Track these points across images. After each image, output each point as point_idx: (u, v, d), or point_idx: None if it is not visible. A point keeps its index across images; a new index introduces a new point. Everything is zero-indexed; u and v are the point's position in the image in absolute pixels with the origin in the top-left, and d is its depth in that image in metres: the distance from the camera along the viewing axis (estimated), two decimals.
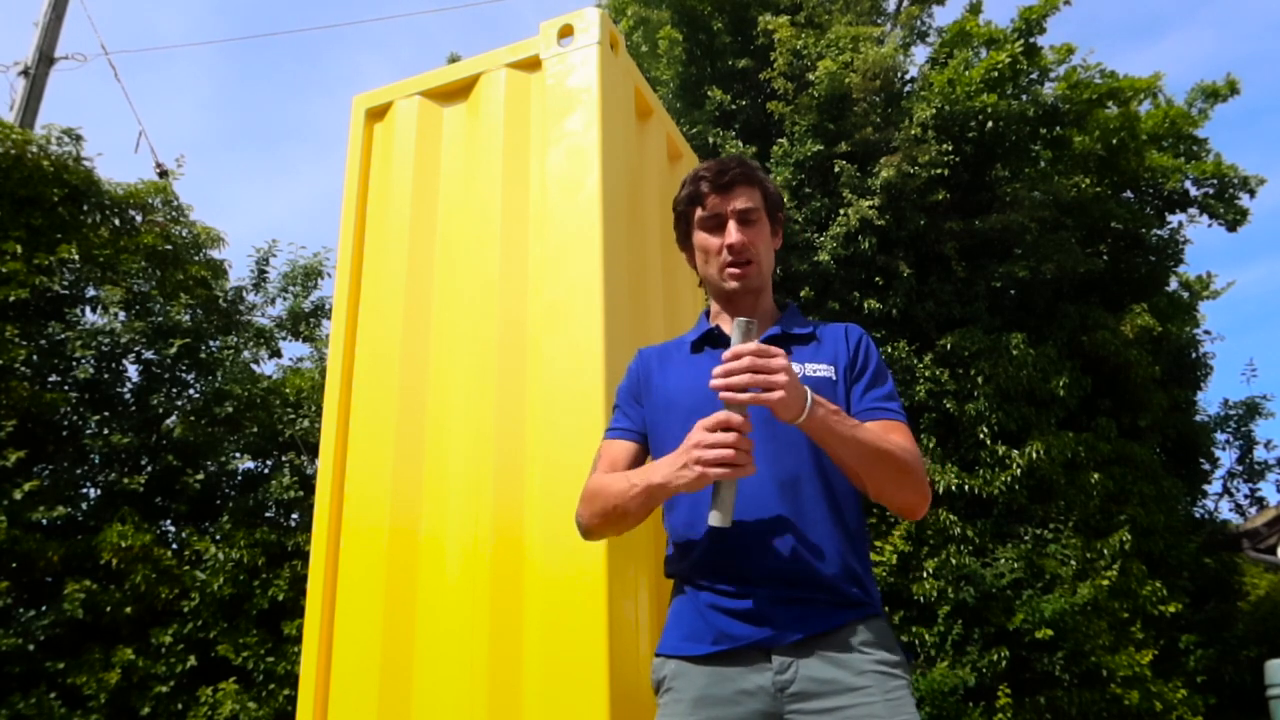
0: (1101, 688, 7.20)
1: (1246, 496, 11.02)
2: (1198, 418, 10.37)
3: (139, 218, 7.67)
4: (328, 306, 8.64)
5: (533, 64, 2.66)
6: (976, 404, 7.87)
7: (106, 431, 6.57)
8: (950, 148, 8.28)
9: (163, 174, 8.94)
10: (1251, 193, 10.49)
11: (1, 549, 5.76)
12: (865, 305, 8.16)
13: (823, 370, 1.62)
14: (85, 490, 6.67)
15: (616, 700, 1.94)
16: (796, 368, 1.60)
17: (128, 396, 7.09)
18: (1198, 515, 10.01)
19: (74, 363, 6.62)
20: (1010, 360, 7.96)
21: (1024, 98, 9.03)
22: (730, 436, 1.35)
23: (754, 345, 1.37)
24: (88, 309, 7.06)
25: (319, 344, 8.59)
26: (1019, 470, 7.64)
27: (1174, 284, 10.49)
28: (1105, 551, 7.60)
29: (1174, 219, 10.58)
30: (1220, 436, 10.89)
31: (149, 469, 6.77)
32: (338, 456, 2.55)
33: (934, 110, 8.35)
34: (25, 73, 8.92)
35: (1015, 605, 7.24)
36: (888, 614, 7.22)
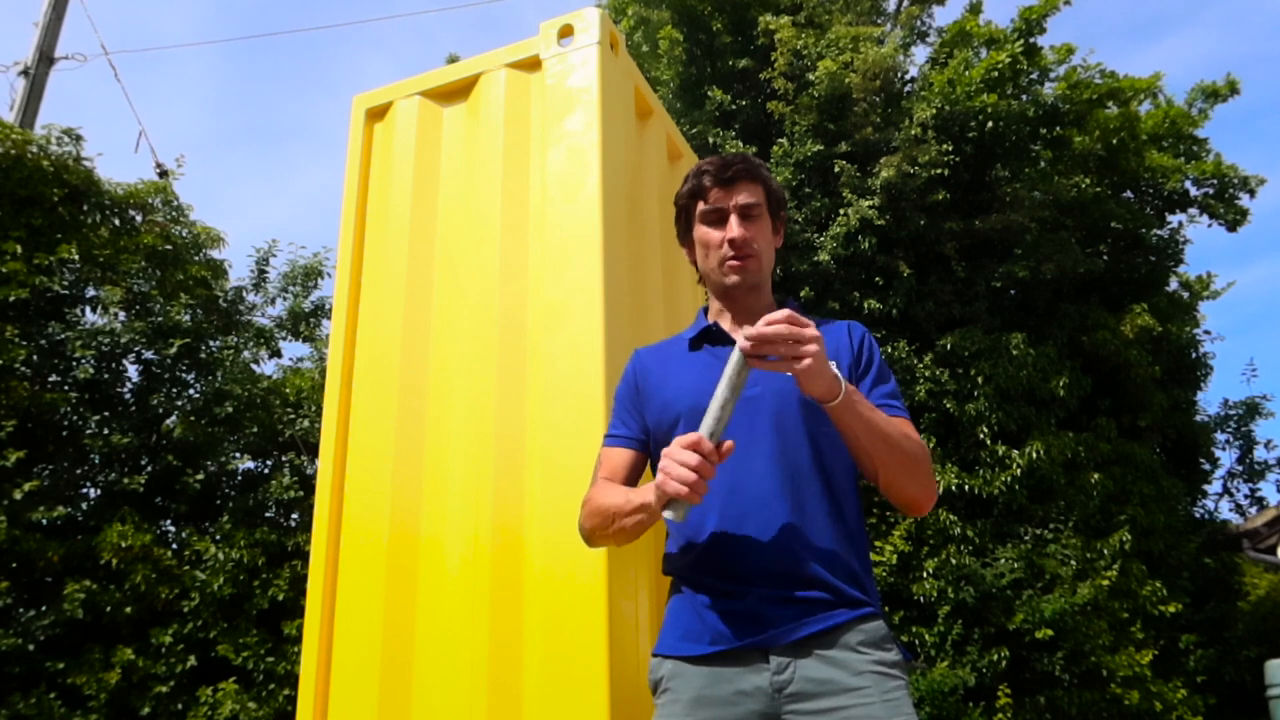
0: (1101, 688, 7.21)
1: (1246, 496, 11.03)
2: (1198, 418, 10.37)
3: (139, 218, 7.67)
4: (328, 306, 8.64)
5: (533, 64, 2.66)
6: (976, 404, 7.87)
7: (106, 431, 6.57)
8: (950, 148, 8.28)
9: (163, 174, 8.95)
10: (1251, 193, 10.50)
11: (1, 549, 5.76)
12: (865, 305, 8.16)
13: None
14: (85, 490, 6.67)
15: (616, 700, 1.94)
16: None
17: (128, 396, 7.09)
18: (1198, 515, 10.01)
19: (74, 363, 6.62)
20: (1010, 360, 7.96)
21: (1024, 98, 9.03)
22: (697, 460, 1.34)
23: (786, 313, 1.36)
24: (88, 309, 7.06)
25: (319, 344, 8.59)
26: (1019, 470, 7.64)
27: (1174, 284, 10.50)
28: (1105, 551, 7.61)
29: (1174, 219, 10.61)
30: (1220, 436, 10.90)
31: (149, 469, 6.77)
32: (338, 456, 2.55)
33: (934, 110, 8.36)
34: (25, 73, 8.92)
35: (1015, 605, 7.24)
36: (887, 614, 7.23)
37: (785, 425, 1.55)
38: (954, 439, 8.06)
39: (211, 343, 7.52)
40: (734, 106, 9.12)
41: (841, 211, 8.25)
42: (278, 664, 6.14)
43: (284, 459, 7.30)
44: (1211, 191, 10.48)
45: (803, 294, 8.17)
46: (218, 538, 6.53)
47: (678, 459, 1.36)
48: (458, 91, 2.81)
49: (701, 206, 1.72)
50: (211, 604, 6.20)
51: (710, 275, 1.74)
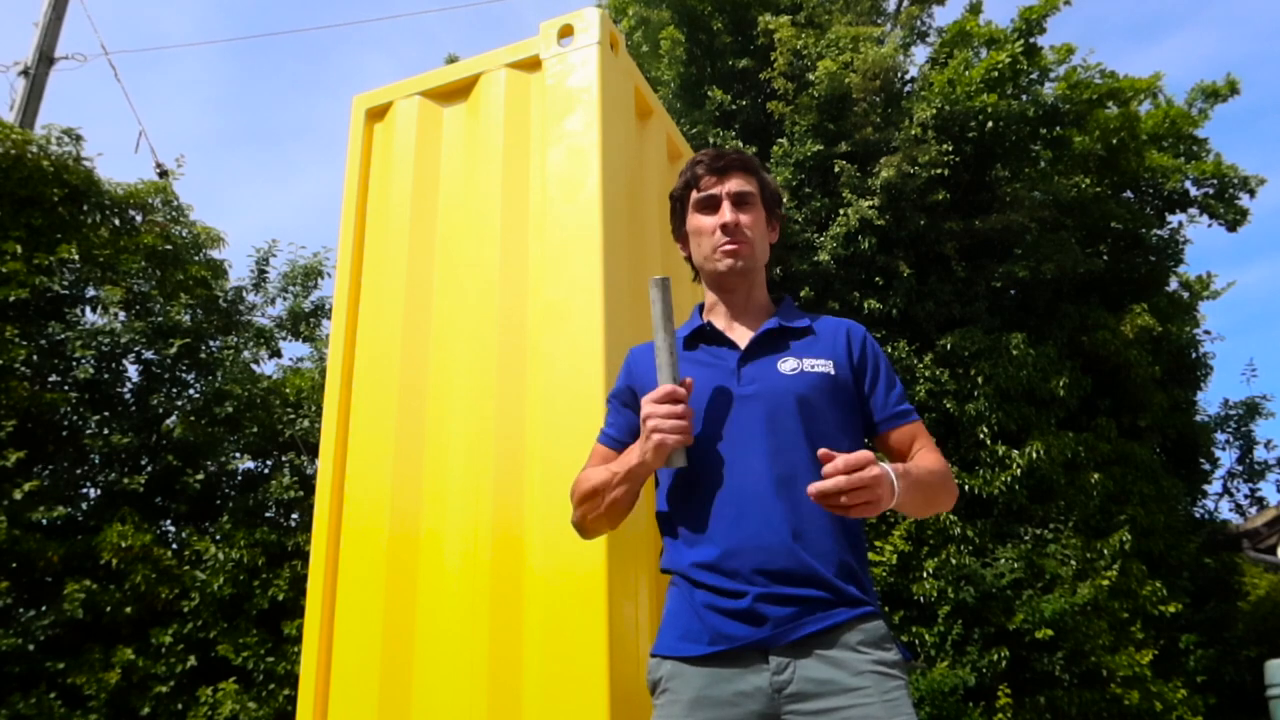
0: (1101, 688, 7.20)
1: (1246, 496, 11.03)
2: (1198, 418, 10.37)
3: (139, 218, 7.67)
4: (328, 306, 8.64)
5: (533, 64, 2.66)
6: (976, 404, 7.87)
7: (106, 431, 6.57)
8: (950, 148, 8.28)
9: (163, 174, 8.95)
10: (1251, 193, 10.50)
11: (1, 549, 5.76)
12: (865, 305, 8.16)
13: (821, 365, 1.62)
14: (85, 490, 6.67)
15: (616, 700, 1.94)
16: (795, 362, 1.61)
17: (128, 396, 7.09)
18: (1198, 515, 10.01)
19: (74, 363, 6.62)
20: (1010, 360, 7.96)
21: (1024, 98, 9.03)
22: (679, 409, 1.47)
23: (842, 460, 1.33)
24: (88, 309, 7.05)
25: (319, 344, 8.58)
26: (1019, 470, 7.64)
27: (1174, 284, 10.49)
28: (1105, 551, 7.61)
29: (1174, 219, 10.60)
30: (1220, 436, 10.89)
31: (149, 469, 6.77)
32: (338, 456, 2.55)
33: (934, 110, 8.36)
34: (25, 73, 8.92)
35: (1015, 605, 7.24)
36: (887, 614, 7.23)
37: (781, 424, 1.56)
38: (954, 439, 8.06)
39: (211, 343, 7.51)
40: (734, 106, 9.12)
41: (841, 211, 8.25)
42: (278, 664, 6.14)
43: (284, 459, 7.30)
44: (1211, 191, 10.48)
45: (803, 294, 8.17)
46: (218, 538, 6.53)
47: (662, 413, 1.47)
48: (458, 91, 2.81)
49: (695, 195, 1.73)
50: (211, 604, 6.20)
51: (704, 265, 1.74)
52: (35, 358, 6.49)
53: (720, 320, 1.72)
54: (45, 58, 9.09)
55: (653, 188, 2.82)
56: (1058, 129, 9.30)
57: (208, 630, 6.13)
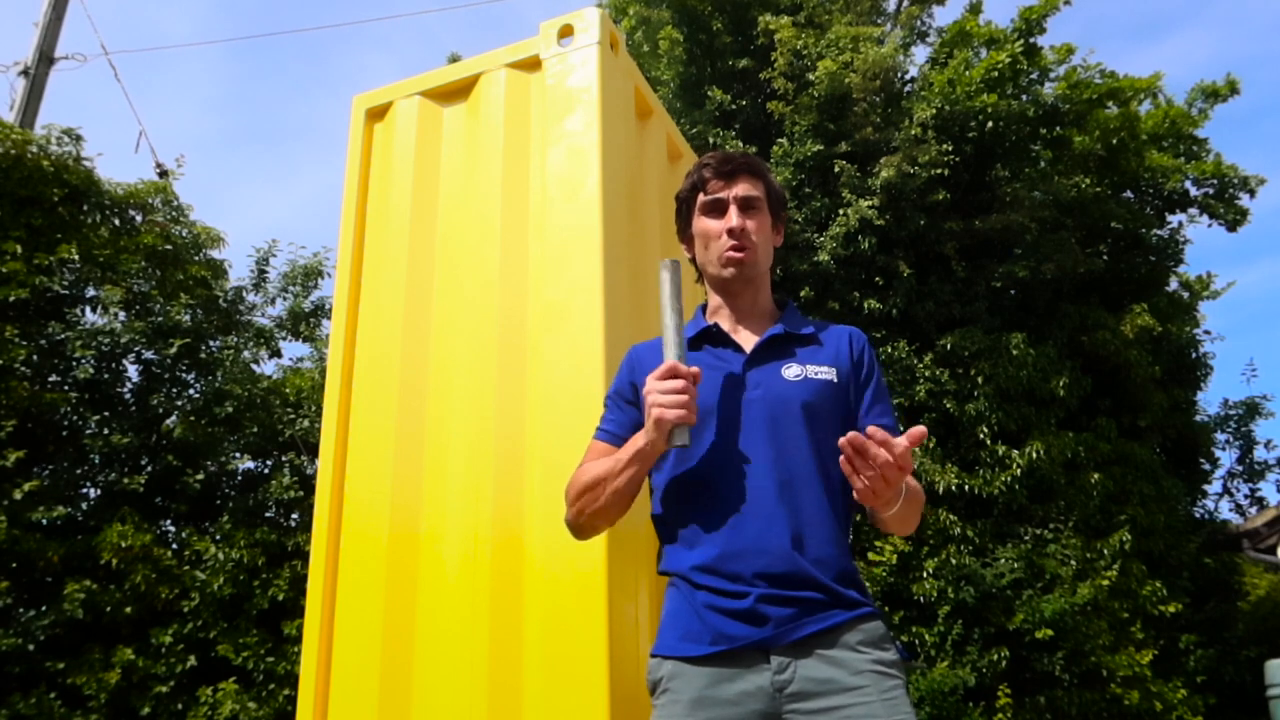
0: (1101, 688, 7.20)
1: (1246, 496, 11.02)
2: (1198, 418, 10.36)
3: (139, 218, 7.67)
4: (328, 306, 8.64)
5: (533, 64, 2.66)
6: (976, 404, 7.87)
7: (106, 431, 6.57)
8: (950, 148, 8.28)
9: (163, 174, 8.95)
10: (1251, 193, 10.49)
11: (1, 549, 5.76)
12: (865, 305, 8.16)
13: (824, 373, 1.63)
14: (85, 490, 6.67)
15: (616, 700, 1.94)
16: (798, 369, 1.61)
17: (128, 396, 7.09)
18: (1198, 515, 10.00)
19: (74, 363, 6.62)
20: (1010, 360, 7.96)
21: (1024, 98, 9.03)
22: (680, 384, 1.45)
23: (891, 441, 1.36)
24: (88, 309, 7.05)
25: (319, 344, 8.58)
26: (1019, 470, 7.64)
27: (1174, 284, 10.49)
28: (1105, 551, 7.60)
29: (1174, 219, 10.59)
30: (1220, 436, 10.89)
31: (149, 469, 6.77)
32: (338, 456, 2.55)
33: (934, 110, 8.36)
34: (25, 73, 8.92)
35: (1015, 605, 7.24)
36: (886, 614, 7.23)
37: (784, 430, 1.56)
38: (954, 439, 8.06)
39: (211, 343, 7.51)
40: (734, 106, 9.12)
41: (841, 211, 8.25)
42: (278, 664, 6.14)
43: (284, 459, 7.30)
44: (1211, 191, 10.47)
45: (803, 294, 8.17)
46: (218, 538, 6.53)
47: (664, 389, 1.45)
48: (458, 91, 2.81)
49: (702, 198, 1.73)
50: (211, 604, 6.20)
51: (708, 268, 1.75)
52: (35, 358, 6.50)
53: (725, 323, 1.72)
54: (45, 58, 9.09)
55: (653, 188, 2.82)
56: (1058, 129, 9.30)
57: (208, 630, 6.13)
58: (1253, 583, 10.58)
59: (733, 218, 1.68)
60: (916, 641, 7.20)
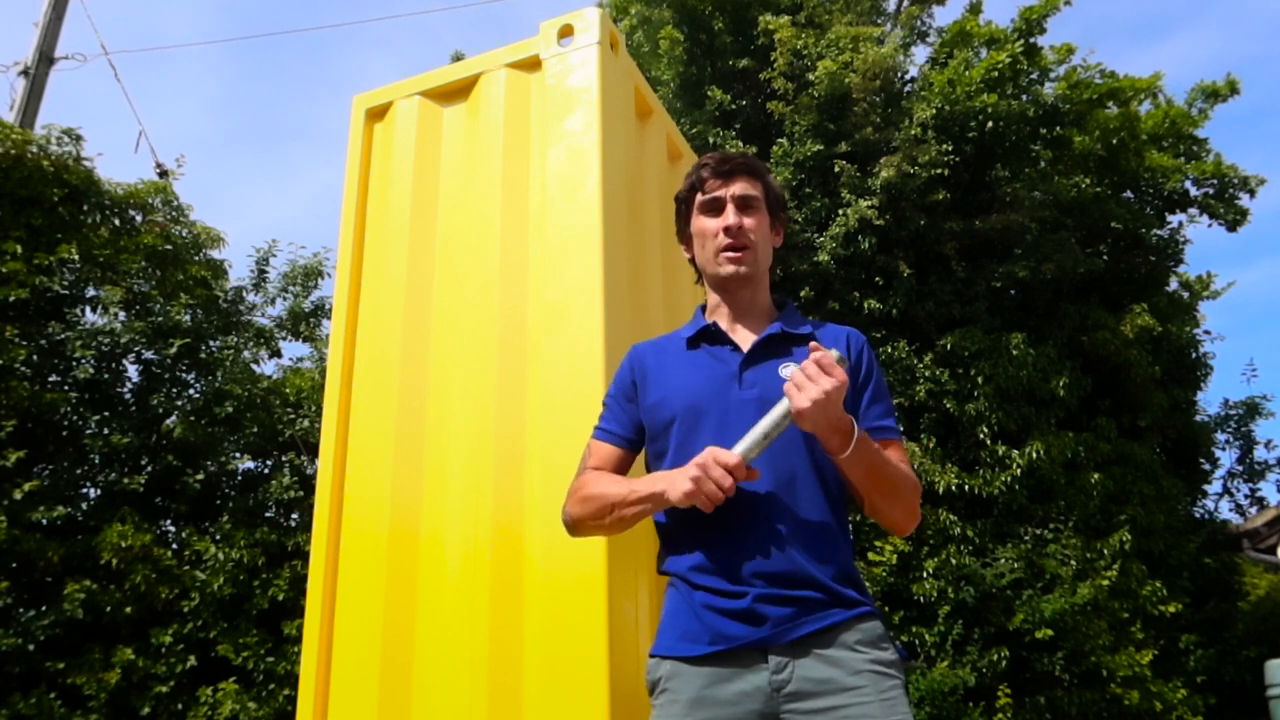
0: (1101, 688, 7.20)
1: (1246, 496, 11.03)
2: (1198, 418, 10.37)
3: (139, 218, 7.67)
4: (328, 306, 8.64)
5: (533, 64, 2.66)
6: (976, 404, 7.87)
7: (106, 431, 6.57)
8: (950, 148, 8.28)
9: (162, 174, 8.95)
10: (1251, 193, 10.50)
11: (1, 549, 5.76)
12: (865, 305, 8.16)
13: None
14: (85, 490, 6.67)
15: (616, 700, 1.94)
16: (796, 368, 1.61)
17: (128, 396, 7.10)
18: (1198, 515, 10.01)
19: (74, 363, 6.62)
20: (1010, 360, 7.96)
21: (1024, 98, 9.03)
22: (729, 482, 1.41)
23: (833, 355, 1.43)
24: (88, 309, 7.06)
25: (319, 344, 8.59)
26: (1019, 470, 7.64)
27: (1174, 284, 10.49)
28: (1105, 551, 7.61)
29: (1174, 219, 10.60)
30: (1220, 436, 10.89)
31: (149, 469, 6.77)
32: (338, 456, 2.55)
33: (934, 110, 8.36)
34: (25, 73, 8.92)
35: (1015, 605, 7.24)
36: (886, 614, 7.23)
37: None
38: (954, 439, 8.06)
39: (211, 343, 7.51)
40: (734, 106, 9.12)
41: (841, 211, 8.25)
42: (278, 664, 6.14)
43: (284, 459, 7.30)
44: (1211, 191, 10.48)
45: (803, 294, 8.17)
46: (218, 538, 6.53)
47: (716, 475, 1.41)
48: (458, 91, 2.81)
49: (700, 197, 1.73)
50: (211, 604, 6.20)
51: (706, 267, 1.75)
52: (35, 358, 6.50)
53: (723, 321, 1.73)
54: (45, 58, 9.09)
55: (653, 188, 2.82)
56: (1058, 129, 9.30)
57: (208, 630, 6.13)
58: (1253, 583, 10.58)
59: (730, 216, 1.69)
60: (916, 641, 7.20)
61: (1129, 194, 10.41)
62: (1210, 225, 10.66)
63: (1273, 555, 9.24)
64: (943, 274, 8.58)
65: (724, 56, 9.34)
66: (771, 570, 1.48)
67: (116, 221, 7.47)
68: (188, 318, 7.33)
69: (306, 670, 2.35)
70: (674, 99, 9.30)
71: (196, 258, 7.88)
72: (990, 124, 8.52)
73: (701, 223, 1.73)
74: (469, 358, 2.43)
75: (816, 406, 1.38)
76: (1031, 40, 9.03)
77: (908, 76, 9.45)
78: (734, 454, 1.42)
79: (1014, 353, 7.95)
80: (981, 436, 7.86)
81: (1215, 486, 10.90)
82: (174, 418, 6.93)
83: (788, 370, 1.61)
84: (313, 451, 6.94)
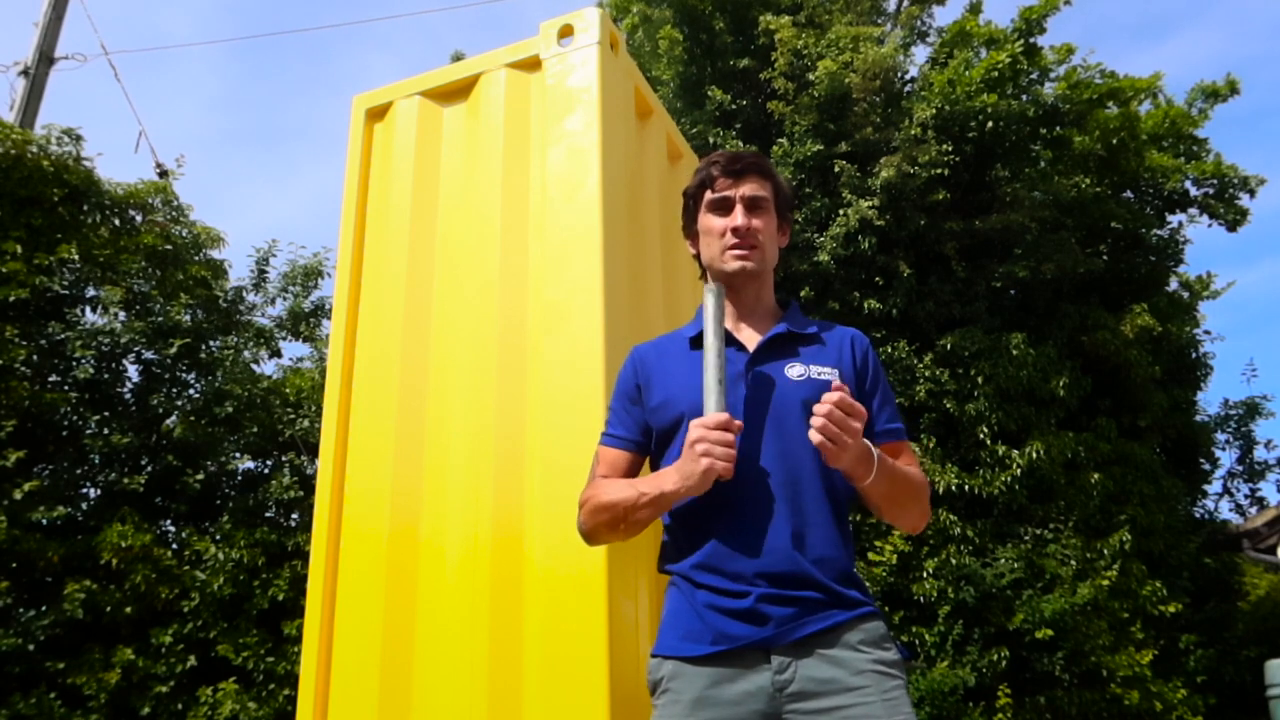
0: (1101, 688, 7.20)
1: (1246, 496, 11.03)
2: (1198, 418, 10.37)
3: (139, 218, 7.67)
4: (328, 306, 8.64)
5: (533, 64, 2.66)
6: (976, 404, 7.87)
7: (106, 431, 6.57)
8: (950, 148, 8.28)
9: (162, 174, 8.95)
10: (1252, 193, 10.49)
11: (1, 549, 5.76)
12: (865, 305, 8.16)
13: (827, 373, 1.63)
14: (85, 490, 6.67)
15: (616, 700, 1.94)
16: (802, 369, 1.61)
17: (128, 396, 7.09)
18: (1198, 515, 10.01)
19: (74, 363, 6.62)
20: (1010, 360, 7.96)
21: (1024, 98, 9.03)
22: (730, 438, 1.44)
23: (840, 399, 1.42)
24: (88, 309, 7.05)
25: (319, 344, 8.59)
26: (1019, 470, 7.64)
27: (1174, 284, 10.49)
28: (1105, 551, 7.61)
29: (1174, 219, 10.60)
30: (1220, 436, 10.89)
31: (149, 469, 6.76)
32: (338, 456, 2.55)
33: (934, 110, 8.35)
34: (25, 73, 8.92)
35: (1015, 605, 7.24)
36: (886, 614, 7.23)
37: (786, 429, 1.56)
38: (954, 439, 8.06)
39: (211, 343, 7.51)
40: (734, 106, 9.12)
41: (841, 211, 8.25)
42: (278, 664, 6.14)
43: (284, 459, 7.30)
44: (1211, 191, 10.48)
45: (803, 294, 8.18)
46: (218, 538, 6.53)
47: (715, 439, 1.43)
48: (458, 91, 2.81)
49: (709, 195, 1.73)
50: (211, 604, 6.20)
51: (712, 265, 1.75)
52: (35, 358, 6.49)
53: (728, 320, 1.72)
54: (45, 58, 9.09)
55: (653, 188, 2.81)
56: (1058, 129, 9.29)
57: (208, 630, 6.13)
58: (1253, 583, 10.57)
59: (738, 216, 1.69)
60: (916, 641, 7.20)
61: (1129, 194, 10.41)
62: (1210, 225, 10.66)
63: (1273, 555, 9.24)
64: (943, 274, 8.58)
65: (724, 56, 9.34)
66: (774, 570, 1.48)
67: (116, 221, 7.47)
68: (188, 318, 7.33)
69: (306, 670, 2.35)
70: (674, 99, 9.30)
71: (196, 258, 7.88)
72: (990, 124, 8.52)
73: (709, 221, 1.73)
74: (469, 358, 2.43)
75: (851, 454, 1.42)
76: (1031, 40, 9.03)
77: (908, 76, 9.46)
78: (711, 414, 1.46)
79: (1014, 353, 7.95)
80: (981, 436, 7.86)
81: (1215, 486, 10.92)
82: (174, 418, 6.93)
83: (794, 370, 1.61)
84: (313, 451, 6.94)
